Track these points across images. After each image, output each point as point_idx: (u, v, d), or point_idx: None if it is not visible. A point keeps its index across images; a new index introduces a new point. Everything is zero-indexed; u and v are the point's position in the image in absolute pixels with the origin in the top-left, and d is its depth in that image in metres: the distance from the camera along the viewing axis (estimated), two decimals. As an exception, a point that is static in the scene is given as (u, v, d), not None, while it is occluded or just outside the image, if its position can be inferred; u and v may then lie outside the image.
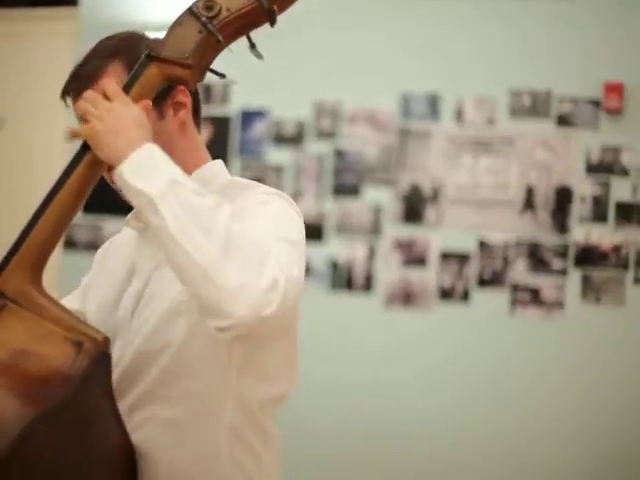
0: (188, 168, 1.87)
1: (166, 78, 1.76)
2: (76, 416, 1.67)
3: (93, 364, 1.68)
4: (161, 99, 1.86)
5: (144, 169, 1.65)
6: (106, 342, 1.71)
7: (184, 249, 1.61)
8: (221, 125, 4.97)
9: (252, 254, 1.62)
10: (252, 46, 1.78)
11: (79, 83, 1.86)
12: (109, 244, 2.10)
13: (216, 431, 1.84)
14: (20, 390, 1.63)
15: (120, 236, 2.07)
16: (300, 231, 1.81)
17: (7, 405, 1.61)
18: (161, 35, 1.80)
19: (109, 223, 4.93)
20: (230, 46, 1.77)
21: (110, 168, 1.73)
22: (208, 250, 1.60)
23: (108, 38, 1.92)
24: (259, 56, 1.78)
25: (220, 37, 1.72)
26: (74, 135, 1.75)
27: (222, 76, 1.80)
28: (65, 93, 1.89)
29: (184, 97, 1.89)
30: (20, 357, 1.67)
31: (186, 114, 1.90)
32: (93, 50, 1.90)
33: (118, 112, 1.71)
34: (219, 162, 1.98)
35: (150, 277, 1.88)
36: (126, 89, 1.76)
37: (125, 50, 1.87)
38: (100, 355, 1.70)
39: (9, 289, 1.72)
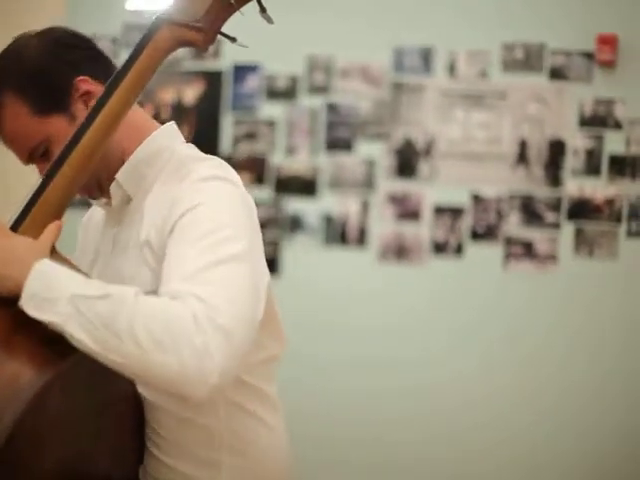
0: (127, 151, 1.86)
1: (177, 42, 1.74)
2: (89, 375, 1.68)
3: None
4: (62, 101, 1.82)
5: (42, 296, 1.61)
6: None
7: (111, 360, 1.58)
8: (213, 80, 4.95)
9: (170, 334, 1.56)
10: (263, 10, 1.77)
11: None
12: (88, 219, 2.08)
13: (212, 405, 1.85)
14: (33, 351, 1.64)
15: (95, 211, 2.05)
16: (238, 228, 1.71)
17: (22, 368, 1.62)
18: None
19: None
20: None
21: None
22: (130, 353, 1.57)
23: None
24: (269, 20, 1.77)
25: (232, 0, 1.71)
26: None
27: (233, 40, 1.79)
28: None
29: (87, 85, 1.84)
30: (33, 318, 1.68)
31: None
32: None
33: (1, 245, 1.67)
34: (167, 129, 1.92)
35: (107, 262, 1.88)
36: (134, 56, 1.74)
37: (12, 74, 1.83)
38: None
39: None
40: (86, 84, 1.83)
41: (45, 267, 1.63)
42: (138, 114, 1.90)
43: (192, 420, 1.85)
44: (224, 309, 1.58)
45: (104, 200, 1.91)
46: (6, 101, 1.82)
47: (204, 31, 1.72)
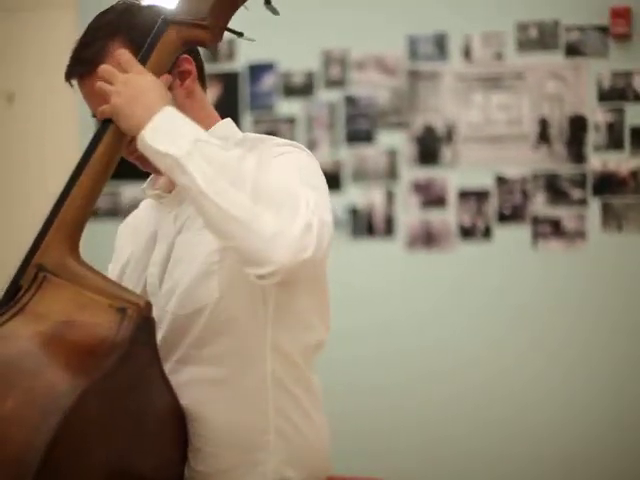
0: None
1: (184, 42, 1.77)
2: (125, 383, 1.69)
3: (137, 330, 1.70)
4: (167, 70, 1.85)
5: (166, 132, 1.66)
6: (148, 307, 1.73)
7: (216, 204, 1.63)
8: (230, 81, 4.96)
9: (283, 200, 1.65)
10: (267, 2, 1.79)
11: (82, 67, 1.85)
12: (128, 219, 2.11)
13: (260, 384, 1.87)
14: (68, 361, 1.65)
15: (138, 210, 2.08)
16: (321, 178, 1.82)
17: (58, 378, 1.63)
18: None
19: (127, 189, 4.95)
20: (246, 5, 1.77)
21: (131, 140, 1.75)
22: (240, 202, 1.62)
23: (104, 13, 1.90)
24: (275, 12, 1.78)
25: None
26: (101, 116, 1.76)
27: (240, 35, 1.81)
28: (69, 76, 1.88)
29: (189, 65, 1.89)
30: (65, 328, 1.69)
31: (192, 82, 1.90)
32: (91, 28, 1.88)
33: (133, 82, 1.72)
34: (228, 120, 1.98)
35: (174, 242, 1.89)
36: (144, 57, 1.76)
37: (125, 26, 1.85)
38: (143, 320, 1.71)
39: (48, 261, 1.74)
40: (188, 64, 1.89)
41: (173, 111, 1.70)
42: (208, 103, 1.96)
43: (241, 405, 1.87)
44: (324, 209, 1.70)
45: (159, 192, 1.95)
46: (112, 50, 1.83)
47: (210, 28, 1.74)
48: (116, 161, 1.79)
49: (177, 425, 1.85)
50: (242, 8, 1.76)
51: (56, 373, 1.64)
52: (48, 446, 1.54)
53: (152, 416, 1.79)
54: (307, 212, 1.65)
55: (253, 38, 1.80)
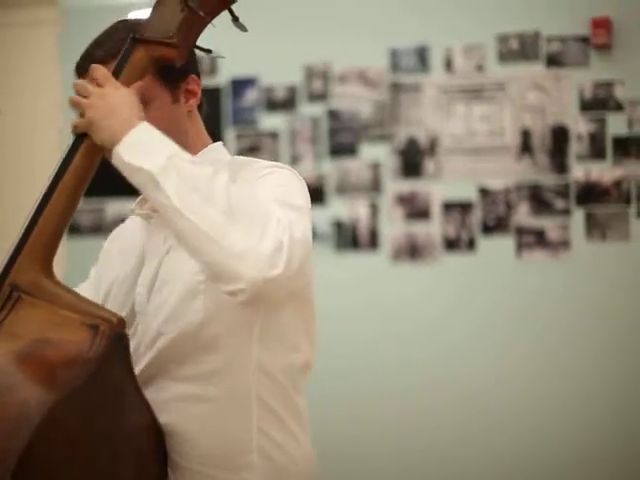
0: (193, 151, 1.91)
1: (153, 59, 1.78)
2: (97, 398, 1.70)
3: (110, 346, 1.70)
4: (176, 84, 1.90)
5: (142, 147, 1.68)
6: (121, 323, 1.73)
7: (188, 219, 1.64)
8: (212, 96, 4.96)
9: (254, 217, 1.65)
10: (235, 19, 1.80)
11: (94, 59, 1.87)
12: (115, 233, 2.12)
13: (245, 403, 1.87)
14: (41, 378, 1.66)
15: (125, 225, 2.09)
16: (303, 197, 1.84)
17: (30, 394, 1.64)
18: (144, 14, 1.81)
19: (111, 206, 4.94)
20: (214, 21, 1.78)
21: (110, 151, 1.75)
22: (211, 217, 1.64)
23: (121, 21, 1.94)
24: (243, 28, 1.79)
25: (202, 13, 1.73)
26: (74, 130, 1.77)
27: (208, 52, 1.82)
28: (77, 72, 1.90)
29: (195, 86, 1.94)
30: (39, 346, 1.70)
31: (195, 102, 1.94)
32: (107, 32, 1.91)
33: (109, 96, 1.73)
34: (219, 144, 2.01)
35: (162, 261, 1.90)
36: (116, 74, 1.78)
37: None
38: (117, 336, 1.72)
39: (22, 281, 1.75)
40: (195, 84, 1.94)
41: (149, 127, 1.72)
42: (203, 127, 1.99)
43: (225, 424, 1.87)
44: (298, 227, 1.71)
45: (148, 212, 1.95)
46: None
47: (178, 46, 1.75)
48: (90, 178, 1.80)
49: (154, 440, 1.85)
50: (210, 25, 1.77)
51: (29, 389, 1.65)
52: (19, 461, 1.55)
53: (127, 431, 1.79)
54: (278, 229, 1.65)
55: (223, 55, 1.82)
